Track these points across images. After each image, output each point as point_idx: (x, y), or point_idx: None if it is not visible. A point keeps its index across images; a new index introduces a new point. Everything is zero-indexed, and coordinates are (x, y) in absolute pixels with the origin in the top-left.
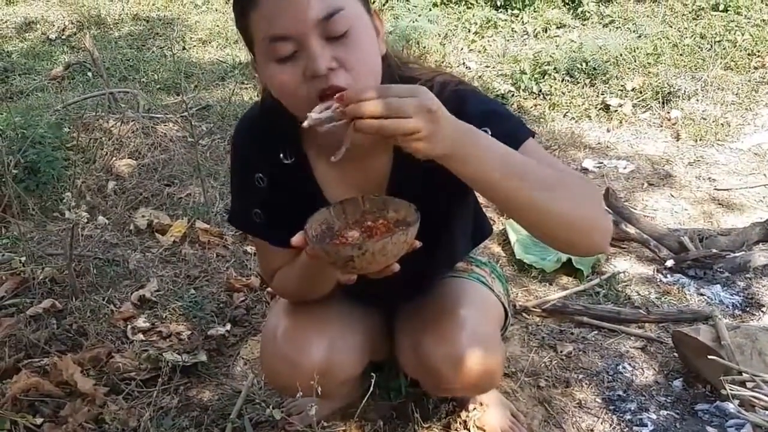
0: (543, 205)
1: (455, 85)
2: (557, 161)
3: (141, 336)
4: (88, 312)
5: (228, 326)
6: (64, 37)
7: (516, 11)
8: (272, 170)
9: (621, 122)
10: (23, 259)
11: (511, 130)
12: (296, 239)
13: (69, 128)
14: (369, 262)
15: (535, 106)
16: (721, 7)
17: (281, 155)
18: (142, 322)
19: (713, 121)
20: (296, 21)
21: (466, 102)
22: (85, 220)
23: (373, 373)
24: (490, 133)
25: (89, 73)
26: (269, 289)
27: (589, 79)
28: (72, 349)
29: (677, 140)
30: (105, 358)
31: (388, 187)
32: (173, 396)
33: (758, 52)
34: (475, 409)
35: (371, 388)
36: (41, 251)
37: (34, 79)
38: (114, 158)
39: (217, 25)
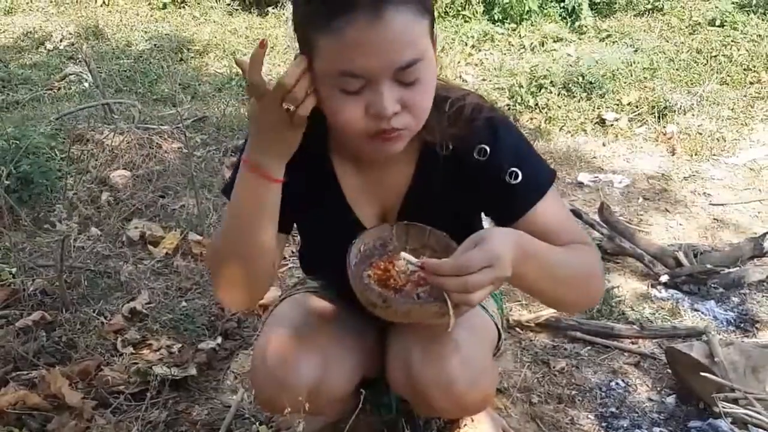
0: (561, 296)
1: (489, 111)
2: (567, 217)
3: (131, 349)
4: (78, 324)
5: (219, 339)
6: (61, 47)
7: (513, 25)
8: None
9: (617, 136)
10: (14, 270)
11: (538, 177)
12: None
13: (64, 139)
14: (389, 316)
15: (532, 119)
16: (718, 23)
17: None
18: (132, 335)
19: (709, 136)
20: (376, 65)
21: (499, 135)
22: (76, 232)
23: (363, 390)
24: (520, 175)
25: (86, 84)
26: (261, 301)
27: (585, 93)
28: (61, 362)
29: (673, 155)
30: (94, 371)
31: (404, 200)
32: (162, 410)
33: (754, 67)
34: (466, 425)
35: (361, 404)
36: (32, 263)
37: (31, 89)
38: (108, 169)
39: (215, 37)
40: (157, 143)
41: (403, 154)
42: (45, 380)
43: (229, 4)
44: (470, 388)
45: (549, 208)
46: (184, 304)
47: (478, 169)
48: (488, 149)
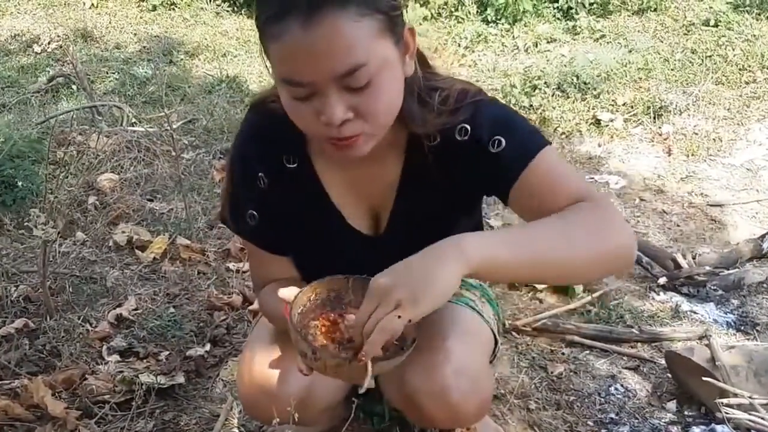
0: (565, 267)
1: (473, 95)
2: (568, 175)
3: (117, 357)
4: (63, 332)
5: (208, 346)
6: (50, 50)
7: (507, 26)
8: (274, 172)
9: (612, 137)
10: None
11: (525, 141)
12: (286, 293)
13: (50, 142)
14: (320, 369)
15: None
16: (712, 23)
17: (284, 158)
18: (118, 343)
19: (705, 136)
20: (313, 74)
21: (479, 111)
22: (56, 235)
23: (355, 399)
24: (504, 141)
25: (74, 87)
26: (251, 307)
27: (580, 94)
28: (44, 371)
29: (669, 155)
30: (78, 380)
31: (396, 198)
32: (148, 420)
33: (749, 66)
34: None
35: (353, 413)
36: (16, 268)
37: (18, 92)
38: (96, 172)
39: (205, 39)
40: (145, 146)
41: (390, 149)
42: (27, 390)
43: (219, 5)
44: (465, 397)
45: (542, 168)
46: (172, 310)
47: (463, 150)
48: (468, 127)
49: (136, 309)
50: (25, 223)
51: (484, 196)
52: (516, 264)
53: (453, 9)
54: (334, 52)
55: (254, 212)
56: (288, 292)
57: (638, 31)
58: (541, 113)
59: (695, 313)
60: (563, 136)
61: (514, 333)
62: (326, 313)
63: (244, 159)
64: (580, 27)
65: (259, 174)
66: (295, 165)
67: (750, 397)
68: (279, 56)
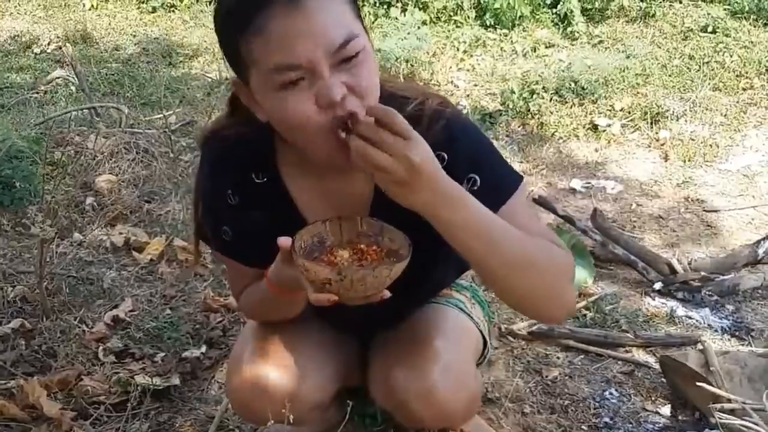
0: (513, 280)
1: (448, 118)
2: (537, 222)
3: (113, 358)
4: (59, 332)
5: (203, 348)
6: (49, 51)
7: (505, 30)
8: (243, 188)
9: (609, 142)
10: None
11: (500, 180)
12: (283, 241)
13: (48, 143)
14: (346, 288)
15: (524, 125)
16: (710, 29)
17: (252, 174)
18: (114, 344)
19: (702, 142)
20: (312, 50)
21: (457, 141)
22: (52, 236)
23: (349, 401)
24: (479, 180)
25: (72, 88)
26: None
27: (577, 99)
28: (40, 371)
29: (666, 161)
30: (74, 381)
31: (369, 211)
32: (143, 421)
33: (746, 73)
34: None
35: (347, 416)
36: (12, 269)
37: (16, 93)
38: (94, 173)
39: (205, 41)
40: (143, 147)
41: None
42: (23, 390)
43: None
44: (451, 396)
45: (511, 214)
46: (168, 311)
47: None
48: (445, 156)
49: (132, 310)
50: (23, 221)
51: None
52: (475, 227)
53: (452, 13)
54: (328, 26)
55: (227, 228)
56: (285, 239)
57: (636, 37)
58: (538, 118)
59: (690, 318)
60: (561, 140)
61: (509, 337)
62: (318, 257)
63: (211, 181)
64: (578, 32)
65: (228, 191)
66: (264, 180)
67: (743, 403)
68: (268, 46)
